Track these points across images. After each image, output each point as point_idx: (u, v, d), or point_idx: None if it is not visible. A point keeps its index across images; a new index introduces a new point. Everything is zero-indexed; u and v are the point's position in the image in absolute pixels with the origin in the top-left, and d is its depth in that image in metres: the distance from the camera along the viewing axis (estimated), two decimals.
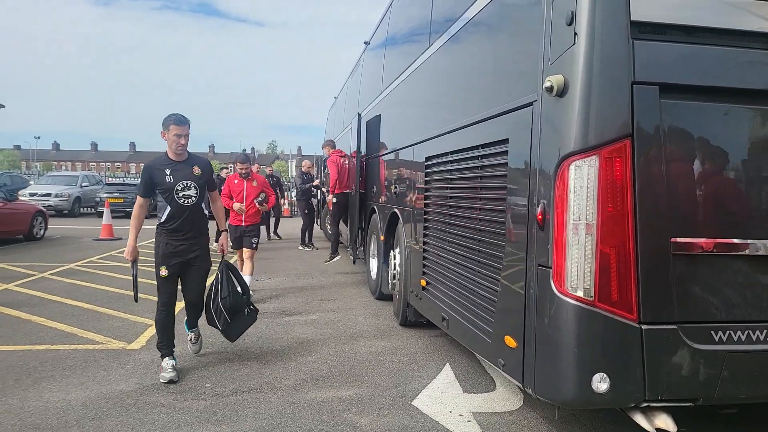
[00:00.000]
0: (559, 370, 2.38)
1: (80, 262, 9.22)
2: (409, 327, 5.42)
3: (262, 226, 8.96)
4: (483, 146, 3.29)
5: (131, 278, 4.17)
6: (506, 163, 2.88)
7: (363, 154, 7.72)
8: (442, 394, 3.74)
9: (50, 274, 8.05)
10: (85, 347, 4.57)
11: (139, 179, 4.25)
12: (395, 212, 5.67)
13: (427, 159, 4.49)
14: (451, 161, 3.90)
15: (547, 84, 2.35)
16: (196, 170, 4.01)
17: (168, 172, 3.91)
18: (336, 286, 7.65)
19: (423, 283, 4.52)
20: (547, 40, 2.47)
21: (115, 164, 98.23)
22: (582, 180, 2.29)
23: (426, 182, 4.51)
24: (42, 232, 12.72)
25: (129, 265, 4.12)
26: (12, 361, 4.20)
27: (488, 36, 3.31)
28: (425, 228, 4.53)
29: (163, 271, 4.00)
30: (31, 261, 9.30)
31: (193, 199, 3.98)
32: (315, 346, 4.79)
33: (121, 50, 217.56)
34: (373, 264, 7.18)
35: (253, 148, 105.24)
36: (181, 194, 3.93)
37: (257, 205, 6.59)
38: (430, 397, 3.69)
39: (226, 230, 4.57)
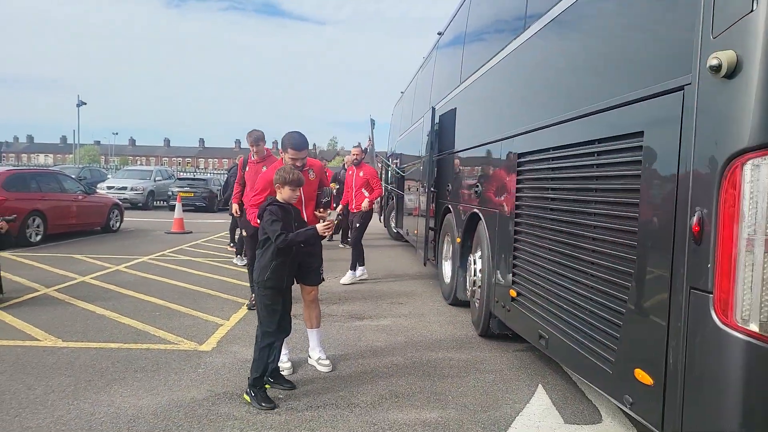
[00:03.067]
0: (720, 421, 1.89)
1: (153, 255, 9.37)
2: (490, 338, 4.99)
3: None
4: (601, 141, 2.81)
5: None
6: (639, 161, 2.40)
7: (437, 150, 7.31)
8: (540, 424, 3.30)
9: (125, 267, 8.19)
10: (156, 347, 4.45)
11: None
12: (476, 213, 5.24)
13: (520, 156, 4.03)
14: (554, 158, 3.43)
15: (714, 62, 1.87)
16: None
17: None
18: (405, 289, 7.30)
19: (513, 293, 4.07)
20: (707, 8, 1.98)
21: (186, 159, 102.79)
22: (760, 183, 1.80)
23: (518, 182, 4.06)
24: (118, 224, 13.18)
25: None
26: (85, 360, 4.12)
27: (612, 11, 2.81)
28: (516, 233, 4.08)
29: None
30: (107, 253, 9.55)
31: None
32: (390, 356, 4.45)
33: (193, 50, 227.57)
34: (447, 267, 6.77)
35: (314, 145, 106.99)
36: None
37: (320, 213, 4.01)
38: (526, 427, 3.25)
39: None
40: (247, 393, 3.45)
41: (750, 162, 1.81)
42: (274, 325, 3.51)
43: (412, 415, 3.36)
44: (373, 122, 12.18)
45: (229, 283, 7.15)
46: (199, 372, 3.96)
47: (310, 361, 4.19)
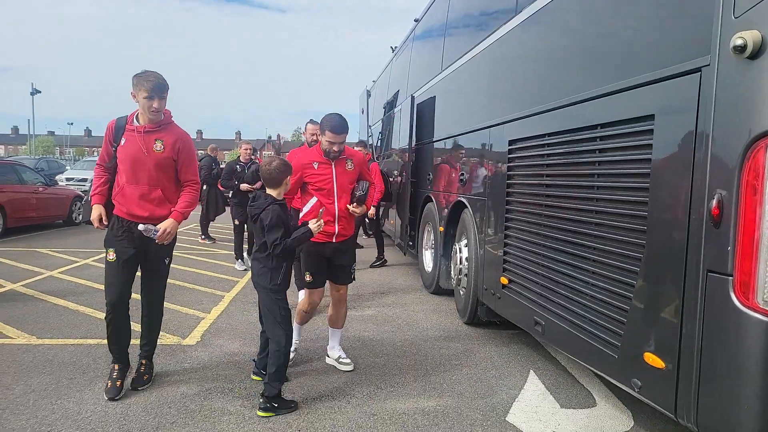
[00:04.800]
0: (741, 404, 1.91)
1: None
2: (476, 326, 4.99)
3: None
4: (604, 126, 2.80)
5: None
6: (650, 145, 2.39)
7: (415, 139, 7.25)
8: (538, 409, 3.30)
9: (93, 260, 7.85)
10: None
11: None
12: (461, 201, 5.21)
13: (511, 143, 4.01)
14: (549, 144, 3.42)
15: (738, 42, 1.85)
16: None
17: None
18: (385, 279, 7.24)
19: (504, 280, 4.06)
20: None
21: None
22: None
23: (509, 168, 4.03)
24: (81, 217, 12.64)
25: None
26: (64, 357, 3.90)
27: None
28: (507, 220, 4.07)
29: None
30: (73, 247, 9.15)
31: None
32: (380, 347, 4.39)
33: (146, 36, 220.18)
34: (428, 256, 6.75)
35: (278, 135, 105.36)
36: None
37: (353, 208, 3.70)
38: (524, 413, 3.25)
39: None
40: (265, 408, 3.08)
41: None
42: (291, 327, 3.27)
43: (410, 404, 3.32)
44: (368, 93, 12.17)
45: (205, 276, 6.94)
46: (186, 367, 3.80)
47: (328, 360, 3.94)
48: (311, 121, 5.14)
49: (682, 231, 2.16)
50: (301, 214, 3.69)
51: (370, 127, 12.45)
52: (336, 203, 3.64)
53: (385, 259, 8.24)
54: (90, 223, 3.42)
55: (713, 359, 2.02)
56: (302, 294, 4.84)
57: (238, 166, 7.73)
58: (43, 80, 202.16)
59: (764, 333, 1.84)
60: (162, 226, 3.23)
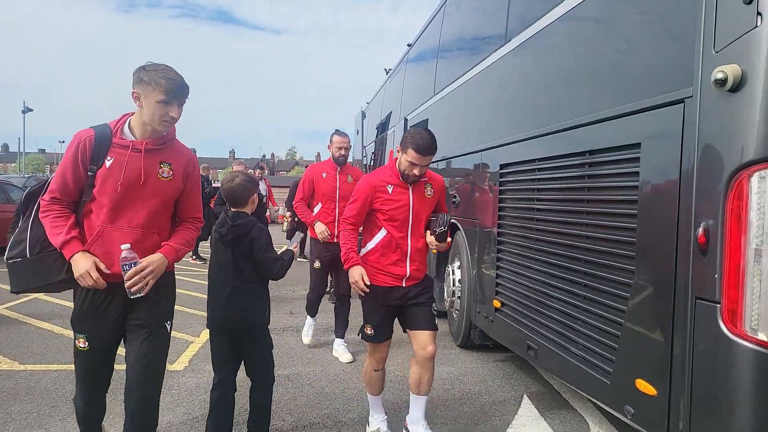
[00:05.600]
0: (731, 429, 1.91)
1: None
2: (469, 349, 4.97)
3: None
4: (593, 153, 2.84)
5: None
6: (637, 172, 2.42)
7: None
8: None
9: None
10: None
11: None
12: (454, 224, 5.23)
13: (502, 167, 4.05)
14: (540, 169, 3.45)
15: (719, 75, 1.90)
16: None
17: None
18: None
19: (497, 304, 4.06)
20: (709, 23, 2.02)
21: None
22: (767, 195, 1.83)
23: (501, 192, 4.07)
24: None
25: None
26: (46, 384, 3.84)
27: (608, 22, 2.84)
28: (499, 243, 4.08)
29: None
30: None
31: None
32: None
33: (143, 56, 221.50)
34: None
35: (272, 154, 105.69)
36: None
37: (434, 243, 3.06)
38: None
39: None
40: None
41: (757, 174, 1.84)
42: None
43: (404, 430, 3.28)
44: (363, 114, 12.23)
45: (195, 297, 6.88)
46: (173, 393, 3.75)
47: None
48: (337, 132, 4.87)
49: (670, 258, 2.18)
50: (363, 251, 3.05)
51: (364, 147, 12.53)
52: (409, 237, 2.99)
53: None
54: (46, 288, 2.35)
55: (704, 386, 2.02)
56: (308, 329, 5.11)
57: None
58: (36, 97, 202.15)
59: (752, 360, 1.85)
60: (145, 261, 2.19)
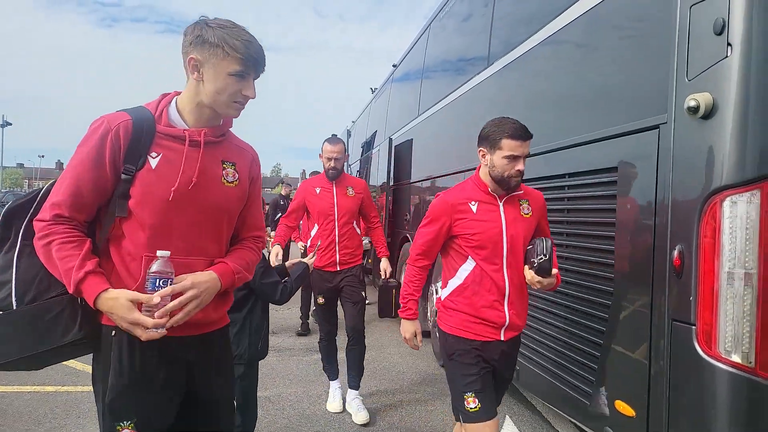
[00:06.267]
0: None
1: None
2: None
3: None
4: (572, 175, 2.89)
5: None
6: (614, 196, 2.47)
7: (393, 180, 7.34)
8: None
9: None
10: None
11: None
12: None
13: None
14: None
15: (692, 103, 1.96)
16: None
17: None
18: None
19: None
20: (682, 52, 2.09)
21: None
22: (739, 219, 1.88)
23: None
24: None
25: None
26: (19, 406, 3.73)
27: (585, 51, 2.92)
28: None
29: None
30: None
31: None
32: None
33: (126, 71, 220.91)
34: None
35: None
36: None
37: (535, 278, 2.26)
38: None
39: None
40: None
41: (729, 198, 1.89)
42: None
43: None
44: (349, 133, 12.30)
45: None
46: None
47: None
48: (328, 139, 3.95)
49: (647, 280, 2.21)
50: (445, 292, 2.40)
51: (350, 165, 12.58)
52: (505, 271, 2.26)
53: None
54: (47, 356, 1.51)
55: (680, 408, 2.04)
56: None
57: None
58: (14, 111, 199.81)
59: (727, 382, 1.88)
60: (189, 279, 1.51)
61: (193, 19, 1.59)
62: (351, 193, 3.95)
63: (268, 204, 10.14)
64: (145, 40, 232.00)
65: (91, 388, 1.61)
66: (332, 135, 4.28)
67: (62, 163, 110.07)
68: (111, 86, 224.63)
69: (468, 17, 5.03)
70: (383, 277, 4.25)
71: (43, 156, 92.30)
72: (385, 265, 4.22)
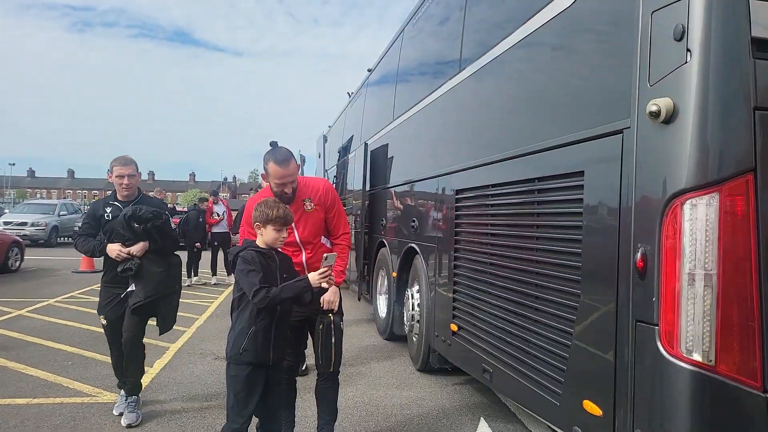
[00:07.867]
0: None
1: (60, 298, 8.57)
2: (429, 373, 4.97)
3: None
4: (541, 179, 2.93)
5: None
6: (581, 199, 2.52)
7: (369, 185, 7.34)
8: None
9: (28, 311, 7.41)
10: (72, 401, 4.00)
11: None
12: (412, 247, 5.27)
13: (458, 192, 4.13)
14: (493, 195, 3.54)
15: (653, 108, 2.01)
16: None
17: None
18: None
19: (454, 328, 4.09)
20: (644, 58, 2.14)
21: (93, 192, 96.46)
22: (699, 221, 1.94)
23: (457, 217, 4.14)
24: (18, 263, 12.00)
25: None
26: None
27: (551, 57, 2.97)
28: (455, 267, 4.13)
29: None
30: (6, 296, 8.61)
31: None
32: None
33: (98, 77, 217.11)
34: (382, 302, 6.73)
35: (234, 177, 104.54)
36: None
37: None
38: None
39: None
40: None
41: (689, 201, 1.94)
42: (244, 420, 2.58)
43: None
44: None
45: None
46: (126, 429, 3.60)
47: None
48: (274, 158, 2.95)
49: (612, 281, 2.26)
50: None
51: (326, 171, 12.55)
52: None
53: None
54: None
55: (645, 406, 2.08)
56: None
57: None
58: None
59: (689, 381, 1.92)
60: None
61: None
62: (309, 207, 3.13)
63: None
64: (117, 45, 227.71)
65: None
66: (276, 146, 3.06)
67: (34, 171, 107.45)
68: (82, 91, 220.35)
69: (441, 22, 5.08)
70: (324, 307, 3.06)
71: (14, 164, 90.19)
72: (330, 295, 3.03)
